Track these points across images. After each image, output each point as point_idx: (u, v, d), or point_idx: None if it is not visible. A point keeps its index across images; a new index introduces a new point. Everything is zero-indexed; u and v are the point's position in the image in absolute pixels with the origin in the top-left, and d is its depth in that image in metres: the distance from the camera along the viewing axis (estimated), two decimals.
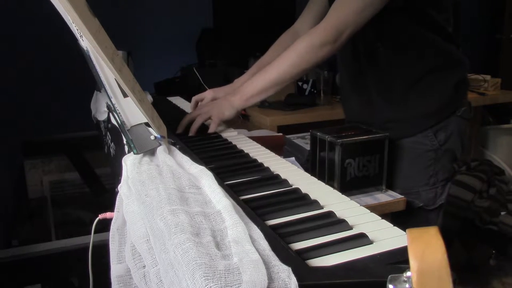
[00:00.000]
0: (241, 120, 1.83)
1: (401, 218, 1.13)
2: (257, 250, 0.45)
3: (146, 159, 0.68)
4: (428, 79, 1.22)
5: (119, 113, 0.75)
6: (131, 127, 0.76)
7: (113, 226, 0.61)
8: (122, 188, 0.64)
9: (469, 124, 1.32)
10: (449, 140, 1.25)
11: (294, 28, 1.46)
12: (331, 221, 0.63)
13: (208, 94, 1.41)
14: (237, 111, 1.19)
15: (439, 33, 1.21)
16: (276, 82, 1.15)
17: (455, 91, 1.24)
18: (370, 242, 0.57)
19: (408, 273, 0.37)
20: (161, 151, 0.70)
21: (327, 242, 0.57)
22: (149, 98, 1.22)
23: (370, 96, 1.29)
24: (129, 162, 0.68)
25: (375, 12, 1.10)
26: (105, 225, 0.65)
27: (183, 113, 1.47)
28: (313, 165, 1.16)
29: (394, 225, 0.63)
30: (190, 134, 1.14)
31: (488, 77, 2.65)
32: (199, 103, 1.39)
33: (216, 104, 1.21)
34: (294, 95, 2.27)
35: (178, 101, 1.73)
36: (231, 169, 0.86)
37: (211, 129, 1.15)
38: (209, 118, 1.18)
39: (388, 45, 1.22)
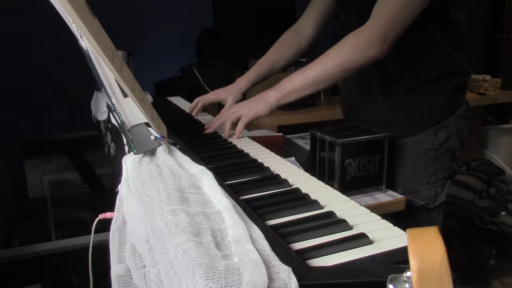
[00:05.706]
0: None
1: (401, 218, 1.13)
2: (257, 250, 0.45)
3: (146, 159, 0.68)
4: (432, 84, 1.22)
5: (119, 113, 0.75)
6: (131, 127, 0.76)
7: (113, 226, 0.61)
8: (122, 188, 0.64)
9: (469, 124, 1.32)
10: (449, 139, 1.25)
11: (297, 26, 1.44)
12: (331, 221, 0.63)
13: (211, 95, 1.41)
14: (272, 108, 1.11)
15: (450, 37, 1.19)
16: (317, 81, 1.08)
17: (455, 92, 1.24)
18: (370, 242, 0.57)
19: (408, 273, 0.37)
20: (161, 151, 0.70)
21: (327, 242, 0.57)
22: (149, 98, 1.22)
23: (372, 97, 1.28)
24: (129, 162, 0.68)
25: (422, 9, 1.06)
26: (105, 225, 0.65)
27: (183, 113, 1.48)
28: (313, 165, 1.16)
29: (394, 225, 0.63)
30: (225, 136, 1.11)
31: (488, 77, 2.65)
32: (200, 102, 1.39)
33: (248, 102, 1.14)
34: None
35: (178, 101, 1.73)
36: (231, 169, 0.86)
37: (237, 130, 1.09)
38: (239, 118, 1.12)
39: (398, 48, 1.20)
